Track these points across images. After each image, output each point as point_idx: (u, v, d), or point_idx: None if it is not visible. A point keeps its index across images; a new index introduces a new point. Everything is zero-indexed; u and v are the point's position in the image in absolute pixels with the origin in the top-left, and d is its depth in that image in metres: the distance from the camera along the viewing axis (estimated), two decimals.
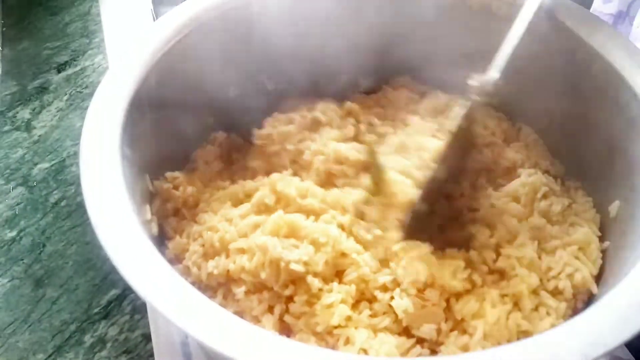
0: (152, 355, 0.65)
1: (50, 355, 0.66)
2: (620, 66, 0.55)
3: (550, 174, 0.62)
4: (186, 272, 0.53)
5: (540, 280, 0.52)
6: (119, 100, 0.52)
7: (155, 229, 0.54)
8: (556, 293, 0.52)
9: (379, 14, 0.69)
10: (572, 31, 0.59)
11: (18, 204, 0.81)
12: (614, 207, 0.56)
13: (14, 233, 0.78)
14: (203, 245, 0.54)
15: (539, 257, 0.54)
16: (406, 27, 0.69)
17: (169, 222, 0.57)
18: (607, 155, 0.57)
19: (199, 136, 0.66)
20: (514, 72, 0.66)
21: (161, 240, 0.56)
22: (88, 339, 0.68)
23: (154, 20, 0.95)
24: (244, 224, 0.54)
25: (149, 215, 0.53)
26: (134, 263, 0.41)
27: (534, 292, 0.51)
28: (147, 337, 0.67)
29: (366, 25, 0.69)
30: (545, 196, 0.59)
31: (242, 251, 0.52)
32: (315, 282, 0.50)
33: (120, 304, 0.70)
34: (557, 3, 0.60)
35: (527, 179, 0.60)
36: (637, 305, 0.40)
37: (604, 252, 0.55)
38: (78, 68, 1.02)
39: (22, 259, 0.75)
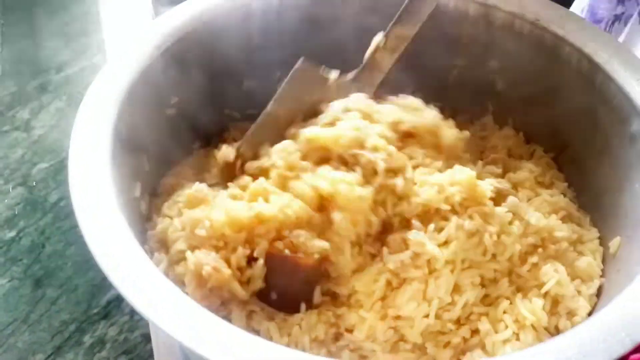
0: (151, 355, 0.65)
1: (49, 356, 0.66)
2: (636, 96, 0.54)
3: (567, 197, 0.61)
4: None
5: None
6: (113, 95, 0.52)
7: (144, 207, 0.54)
8: (556, 334, 0.50)
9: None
10: (593, 57, 0.58)
11: (17, 204, 0.81)
12: (614, 243, 0.54)
13: (13, 233, 0.78)
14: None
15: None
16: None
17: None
18: (616, 187, 0.56)
19: (196, 133, 0.66)
20: (531, 96, 0.65)
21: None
22: (87, 340, 0.68)
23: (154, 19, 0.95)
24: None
25: (138, 193, 0.53)
26: (123, 270, 0.41)
27: (534, 327, 0.50)
28: (146, 338, 0.67)
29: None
30: (562, 221, 0.57)
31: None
32: None
33: (120, 304, 0.70)
34: (579, 27, 0.60)
35: (550, 198, 0.58)
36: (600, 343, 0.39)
37: (598, 288, 0.54)
38: (77, 68, 1.02)
39: (22, 259, 0.75)
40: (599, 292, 0.54)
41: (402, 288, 0.49)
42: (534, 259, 0.52)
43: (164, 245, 0.53)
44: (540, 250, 0.53)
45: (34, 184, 0.84)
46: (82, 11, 1.13)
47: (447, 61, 0.70)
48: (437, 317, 0.49)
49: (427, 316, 0.49)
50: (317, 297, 0.50)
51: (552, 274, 0.51)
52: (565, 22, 0.60)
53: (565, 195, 0.61)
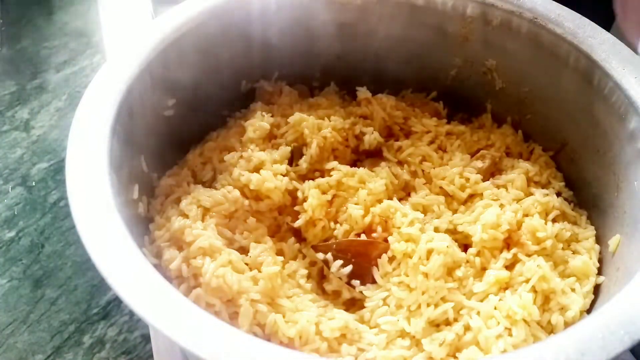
0: (151, 356, 0.65)
1: (49, 356, 0.66)
2: (634, 94, 0.54)
3: (562, 196, 0.61)
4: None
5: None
6: (112, 93, 0.52)
7: (142, 208, 0.55)
8: (549, 329, 0.51)
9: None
10: (590, 55, 0.58)
11: (17, 204, 0.81)
12: (613, 241, 0.55)
13: (12, 233, 0.78)
14: None
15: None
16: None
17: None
18: (614, 185, 0.56)
19: (193, 135, 0.66)
20: (529, 95, 0.66)
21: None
22: (87, 340, 0.68)
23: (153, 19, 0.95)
24: None
25: (136, 195, 0.53)
26: (121, 272, 0.41)
27: (525, 321, 0.50)
28: (146, 338, 0.67)
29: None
30: (555, 220, 0.58)
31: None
32: None
33: (120, 305, 0.70)
34: (577, 25, 0.60)
35: (542, 198, 0.58)
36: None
37: (597, 286, 0.54)
38: (77, 68, 1.02)
39: (21, 260, 0.75)
40: (598, 290, 0.54)
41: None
42: (507, 255, 0.55)
43: (176, 243, 0.53)
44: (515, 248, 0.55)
45: (34, 184, 0.84)
46: (82, 11, 1.13)
47: (446, 60, 0.70)
48: (436, 304, 0.52)
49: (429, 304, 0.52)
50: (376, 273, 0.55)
51: (535, 270, 0.52)
52: (563, 20, 0.60)
53: (561, 194, 0.61)
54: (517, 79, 0.66)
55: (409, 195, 0.63)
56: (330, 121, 0.64)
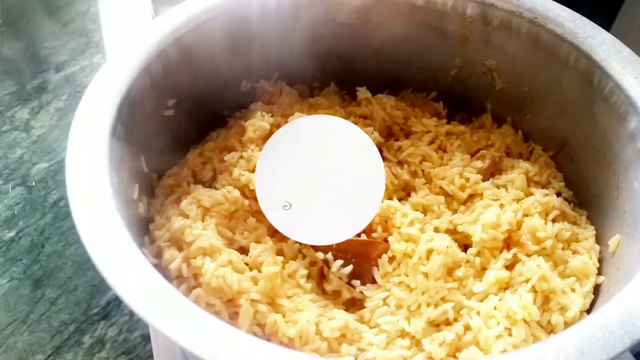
0: (151, 356, 0.65)
1: (49, 356, 0.66)
2: (634, 93, 0.54)
3: (562, 196, 0.61)
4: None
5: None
6: (112, 93, 0.52)
7: (142, 208, 0.55)
8: (549, 329, 0.51)
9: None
10: (590, 55, 0.58)
11: (17, 204, 0.81)
12: (613, 241, 0.55)
13: (12, 233, 0.78)
14: None
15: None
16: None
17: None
18: (614, 185, 0.56)
19: (193, 135, 0.66)
20: (529, 95, 0.66)
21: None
22: (87, 340, 0.68)
23: (153, 19, 0.95)
24: None
25: (136, 195, 0.53)
26: (121, 272, 0.41)
27: (525, 321, 0.50)
28: (146, 338, 0.67)
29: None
30: (555, 220, 0.58)
31: None
32: None
33: (120, 305, 0.70)
34: (577, 25, 0.60)
35: (541, 198, 0.58)
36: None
37: (597, 286, 0.54)
38: (77, 67, 1.02)
39: (21, 260, 0.75)
40: (598, 290, 0.54)
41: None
42: (507, 255, 0.55)
43: (176, 243, 0.53)
44: (515, 248, 0.55)
45: (34, 184, 0.84)
46: (82, 11, 1.13)
47: (446, 60, 0.70)
48: (436, 304, 0.52)
49: (429, 304, 0.52)
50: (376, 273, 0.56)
51: (535, 270, 0.52)
52: (563, 20, 0.60)
53: (561, 194, 0.61)
54: (517, 79, 0.66)
55: (409, 195, 0.63)
56: None
